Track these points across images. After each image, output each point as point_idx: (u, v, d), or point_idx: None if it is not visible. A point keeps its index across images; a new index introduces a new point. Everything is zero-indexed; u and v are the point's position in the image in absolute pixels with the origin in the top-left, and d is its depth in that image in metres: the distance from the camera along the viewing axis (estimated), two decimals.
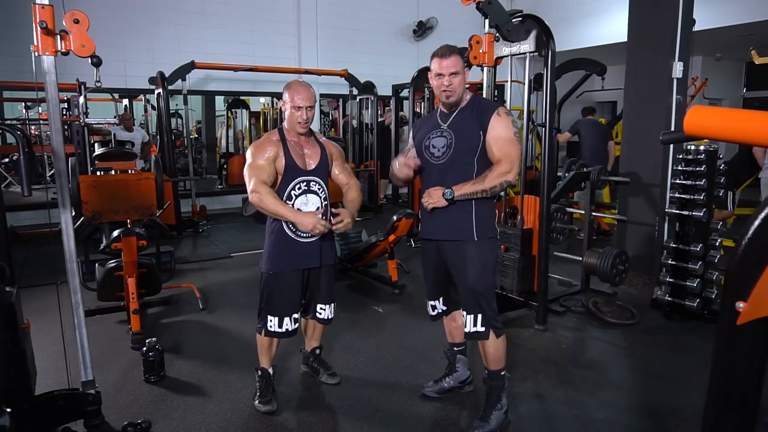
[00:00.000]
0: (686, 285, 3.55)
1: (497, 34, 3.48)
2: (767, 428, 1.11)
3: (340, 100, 9.66)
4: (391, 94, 8.29)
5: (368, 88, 8.01)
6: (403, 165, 2.35)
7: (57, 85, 2.19)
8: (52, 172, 6.55)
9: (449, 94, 2.28)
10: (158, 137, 7.08)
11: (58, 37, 2.15)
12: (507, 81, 4.52)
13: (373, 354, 3.20)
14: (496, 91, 3.74)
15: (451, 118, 2.34)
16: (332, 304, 2.66)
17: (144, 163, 6.66)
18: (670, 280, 3.67)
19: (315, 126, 2.58)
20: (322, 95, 8.73)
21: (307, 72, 7.73)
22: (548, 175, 3.51)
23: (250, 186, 2.35)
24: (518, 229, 3.71)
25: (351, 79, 8.24)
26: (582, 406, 2.62)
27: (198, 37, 7.85)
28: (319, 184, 2.50)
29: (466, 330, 2.35)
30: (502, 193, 3.75)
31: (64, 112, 6.28)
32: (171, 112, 7.74)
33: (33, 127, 9.84)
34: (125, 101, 8.94)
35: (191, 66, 7.01)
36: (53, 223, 2.53)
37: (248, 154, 2.44)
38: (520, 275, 3.74)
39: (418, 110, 8.25)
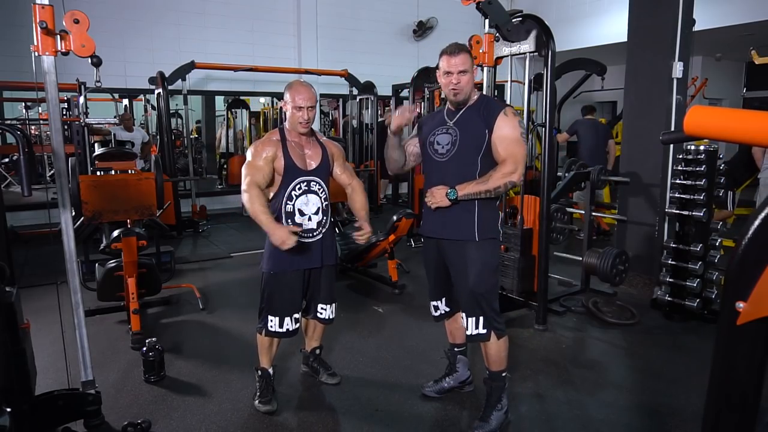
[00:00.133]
0: (686, 285, 3.55)
1: (497, 34, 3.48)
2: (767, 428, 1.11)
3: (340, 100, 9.67)
4: (391, 94, 8.29)
5: (368, 88, 8.01)
6: (399, 115, 2.29)
7: (57, 85, 2.19)
8: (52, 172, 6.55)
9: (457, 92, 2.26)
10: (158, 137, 7.08)
11: (58, 37, 2.15)
12: (507, 81, 4.53)
13: (373, 354, 3.20)
14: (496, 91, 3.74)
15: (457, 116, 2.32)
16: (333, 305, 2.66)
17: (144, 163, 6.66)
18: (670, 280, 3.67)
19: (315, 126, 2.58)
20: (322, 95, 8.72)
21: (307, 72, 7.73)
22: (548, 175, 3.51)
23: (243, 185, 2.38)
24: (518, 229, 3.71)
25: (351, 79, 8.24)
26: (582, 406, 2.62)
27: (198, 37, 7.85)
28: (320, 185, 2.49)
29: (468, 332, 2.33)
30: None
31: (64, 112, 6.29)
32: (171, 112, 7.74)
33: (33, 127, 9.85)
34: (125, 101, 8.95)
35: (191, 66, 7.02)
36: (53, 223, 2.53)
37: (248, 153, 2.45)
38: (520, 275, 3.74)
39: (418, 110, 8.25)
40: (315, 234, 2.49)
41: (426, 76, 6.70)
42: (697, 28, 4.30)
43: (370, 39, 9.22)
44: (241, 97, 9.89)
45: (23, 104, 8.83)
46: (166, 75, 6.62)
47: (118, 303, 3.67)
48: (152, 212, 3.88)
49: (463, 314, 2.35)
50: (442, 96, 6.27)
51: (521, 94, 4.00)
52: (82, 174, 4.41)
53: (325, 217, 2.52)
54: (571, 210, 4.56)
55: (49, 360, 2.95)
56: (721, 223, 3.64)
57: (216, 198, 8.46)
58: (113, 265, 3.48)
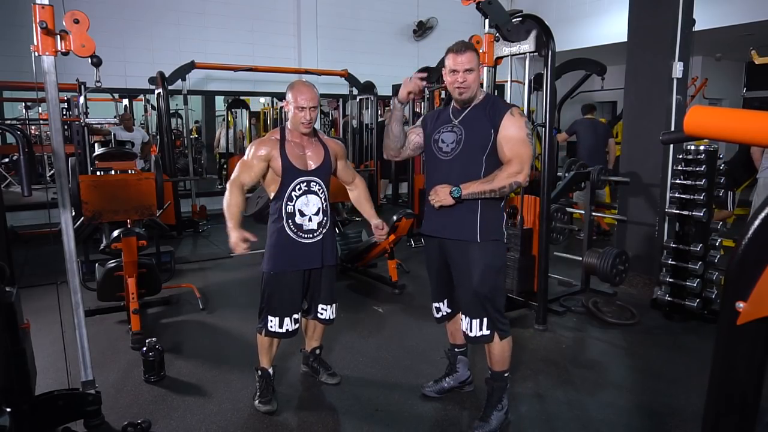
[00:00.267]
0: (686, 285, 3.55)
1: (497, 34, 3.48)
2: (767, 428, 1.11)
3: (340, 100, 9.66)
4: (391, 94, 8.28)
5: (368, 88, 8.00)
6: (410, 83, 2.25)
7: (57, 85, 2.19)
8: (52, 172, 6.55)
9: (462, 91, 2.23)
10: (158, 137, 7.08)
11: (58, 37, 2.15)
12: (507, 81, 4.53)
13: (373, 354, 3.20)
14: (496, 91, 3.74)
15: (463, 115, 2.29)
16: (334, 305, 2.66)
17: (144, 163, 6.66)
18: (670, 280, 3.67)
19: (315, 126, 2.58)
20: (322, 95, 8.67)
21: (307, 72, 7.73)
22: (548, 175, 3.51)
23: (230, 180, 2.44)
24: (518, 229, 3.72)
25: (351, 79, 8.24)
26: (582, 406, 2.62)
27: (198, 37, 7.85)
28: (320, 185, 2.49)
29: (472, 334, 2.30)
30: None
31: (64, 112, 6.28)
32: (171, 112, 7.74)
33: (33, 127, 9.84)
34: (125, 101, 8.94)
35: (191, 66, 7.01)
36: (53, 223, 2.53)
37: (247, 149, 2.48)
38: (520, 275, 3.74)
39: (418, 110, 8.26)
40: (315, 234, 2.49)
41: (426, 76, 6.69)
42: (697, 28, 4.29)
43: (370, 39, 9.22)
44: (241, 97, 9.88)
45: (23, 104, 8.83)
46: (166, 75, 6.62)
47: (118, 303, 3.67)
48: (152, 212, 3.88)
49: (464, 316, 2.33)
50: (442, 96, 6.30)
51: (521, 94, 4.00)
52: (82, 174, 4.41)
53: (325, 218, 2.52)
54: (571, 210, 4.56)
55: (49, 360, 2.94)
56: (721, 223, 3.64)
57: (216, 198, 8.42)
58: (113, 265, 3.48)
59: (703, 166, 3.50)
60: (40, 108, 8.19)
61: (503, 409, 2.37)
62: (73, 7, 2.24)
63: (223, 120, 10.88)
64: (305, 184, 2.45)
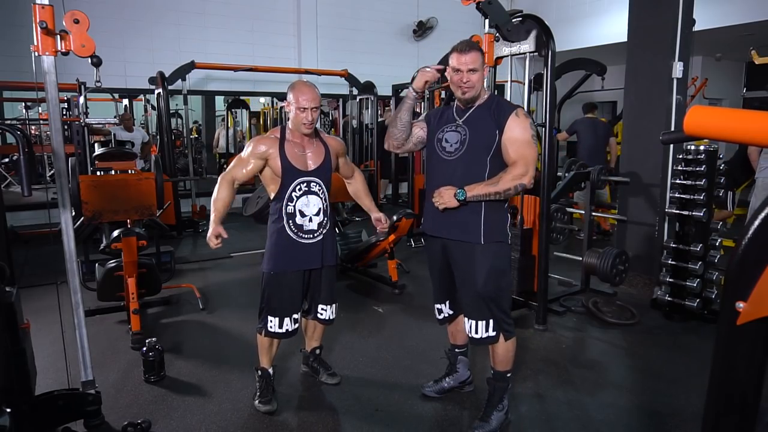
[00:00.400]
0: (686, 285, 3.55)
1: (497, 34, 3.48)
2: (767, 428, 1.10)
3: (340, 100, 9.67)
4: (391, 94, 8.29)
5: (368, 88, 8.00)
6: (427, 72, 2.26)
7: (57, 85, 2.19)
8: (52, 172, 6.55)
9: (465, 91, 2.21)
10: (158, 137, 7.08)
11: (58, 37, 2.15)
12: (507, 81, 4.53)
13: (373, 354, 3.20)
14: (496, 91, 3.74)
15: (467, 114, 2.27)
16: (334, 305, 2.66)
17: (144, 163, 6.66)
18: (670, 280, 3.67)
19: (316, 126, 2.57)
20: (322, 95, 8.64)
21: (307, 72, 7.73)
22: (548, 175, 3.51)
23: (223, 172, 2.48)
24: (518, 229, 3.72)
25: (351, 79, 8.24)
26: (582, 406, 2.62)
27: (198, 37, 7.84)
28: (320, 185, 2.49)
29: (477, 336, 2.29)
30: None
31: (64, 112, 6.28)
32: (171, 112, 7.74)
33: (33, 127, 9.83)
34: (125, 101, 8.94)
35: (191, 66, 7.01)
36: (53, 223, 2.53)
37: (245, 145, 2.49)
38: (520, 275, 3.74)
39: (418, 110, 8.25)
40: (316, 235, 2.48)
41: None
42: (697, 28, 4.29)
43: (370, 39, 9.22)
44: (241, 97, 9.89)
45: (23, 104, 8.82)
46: (166, 75, 6.62)
47: (118, 303, 3.67)
48: (152, 212, 3.88)
49: (466, 318, 2.33)
50: (443, 96, 6.29)
51: (521, 94, 4.00)
52: (82, 174, 4.41)
53: (325, 218, 2.52)
54: (571, 210, 4.56)
55: (49, 360, 2.95)
56: (721, 223, 3.64)
57: None
58: (113, 265, 3.48)
59: (703, 166, 3.50)
60: (40, 108, 8.19)
61: (504, 410, 2.37)
62: (73, 7, 2.24)
63: (223, 120, 10.88)
64: (305, 184, 2.45)
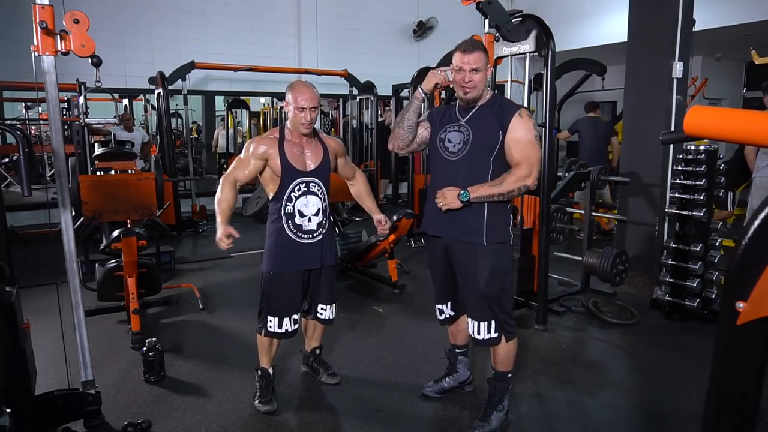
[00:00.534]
0: (686, 285, 3.55)
1: (497, 34, 3.48)
2: (767, 428, 1.10)
3: (340, 100, 9.67)
4: (391, 94, 8.29)
5: (368, 88, 8.00)
6: (438, 74, 2.27)
7: (57, 85, 2.19)
8: (52, 172, 6.54)
9: (467, 90, 2.20)
10: (158, 137, 7.08)
11: (58, 37, 2.15)
12: (507, 81, 4.52)
13: (373, 354, 3.20)
14: (496, 91, 3.74)
15: (470, 114, 2.26)
16: (333, 305, 2.66)
17: (144, 163, 6.65)
18: (670, 280, 3.67)
19: (315, 126, 2.57)
20: (322, 95, 8.65)
21: (307, 72, 7.73)
22: (548, 175, 3.51)
23: (223, 175, 2.47)
24: (518, 229, 3.71)
25: (351, 79, 8.24)
26: (582, 406, 2.62)
27: (198, 37, 7.85)
28: (319, 185, 2.49)
29: (480, 337, 2.29)
30: None
31: (64, 112, 6.28)
32: (171, 112, 7.74)
33: (33, 127, 9.82)
34: (125, 101, 8.94)
35: (191, 66, 7.01)
36: (53, 223, 2.53)
37: (245, 146, 2.48)
38: (520, 275, 3.74)
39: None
40: (315, 235, 2.48)
41: (426, 76, 6.68)
42: (697, 28, 4.29)
43: (370, 39, 9.22)
44: (241, 97, 9.88)
45: (23, 104, 8.82)
46: (166, 75, 6.62)
47: (118, 303, 3.67)
48: (152, 212, 3.88)
49: (469, 319, 2.32)
50: (442, 96, 6.29)
51: (521, 94, 3.99)
52: (82, 174, 4.41)
53: (325, 218, 2.52)
54: (571, 210, 4.56)
55: (49, 360, 2.95)
56: (721, 223, 3.64)
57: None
58: (113, 265, 3.49)
59: (703, 166, 3.50)
60: (40, 108, 8.18)
61: (504, 410, 2.37)
62: (73, 7, 2.24)
63: (222, 120, 10.88)
64: (304, 184, 2.45)
